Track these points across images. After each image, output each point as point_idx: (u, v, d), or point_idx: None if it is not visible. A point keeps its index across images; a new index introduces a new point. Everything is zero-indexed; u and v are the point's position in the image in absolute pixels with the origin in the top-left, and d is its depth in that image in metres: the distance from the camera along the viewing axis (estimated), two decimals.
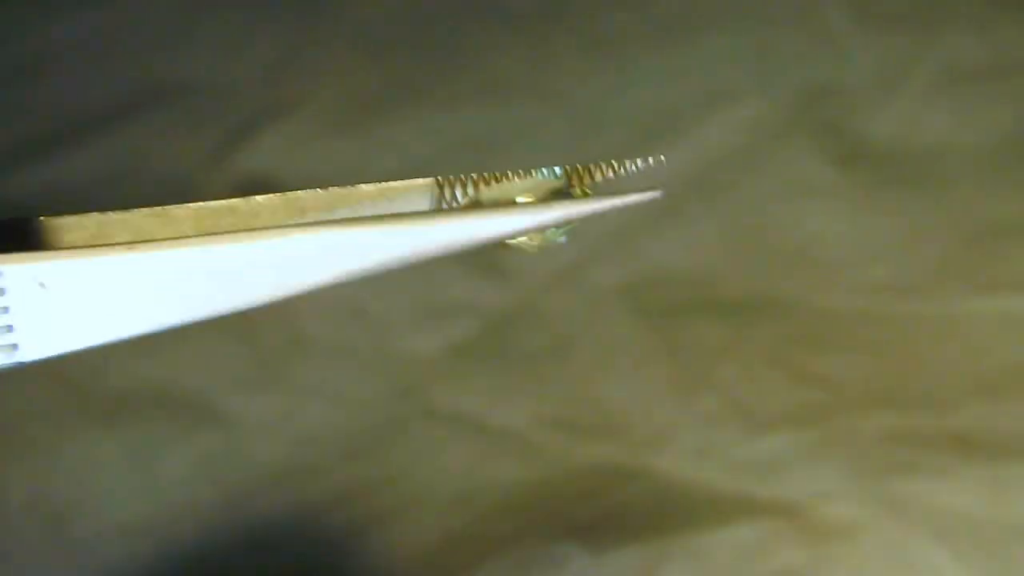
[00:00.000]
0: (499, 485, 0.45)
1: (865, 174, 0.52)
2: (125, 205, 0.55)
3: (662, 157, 0.21)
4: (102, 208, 0.56)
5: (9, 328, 0.19)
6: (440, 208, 0.20)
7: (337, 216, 0.21)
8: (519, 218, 0.20)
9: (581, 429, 0.46)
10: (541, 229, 0.21)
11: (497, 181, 0.21)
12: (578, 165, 0.22)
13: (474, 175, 0.21)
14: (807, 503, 0.42)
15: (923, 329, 0.47)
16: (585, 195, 0.21)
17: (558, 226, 0.21)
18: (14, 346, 0.19)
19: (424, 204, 0.21)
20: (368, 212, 0.21)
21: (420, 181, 0.21)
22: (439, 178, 0.21)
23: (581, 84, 0.58)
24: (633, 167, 0.22)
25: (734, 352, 0.47)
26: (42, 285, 0.19)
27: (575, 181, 0.21)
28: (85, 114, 0.58)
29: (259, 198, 0.20)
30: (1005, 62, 0.54)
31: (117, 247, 0.19)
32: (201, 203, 0.20)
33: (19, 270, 0.19)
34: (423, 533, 0.44)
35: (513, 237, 0.21)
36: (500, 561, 0.42)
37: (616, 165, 0.22)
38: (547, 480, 0.45)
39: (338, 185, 0.21)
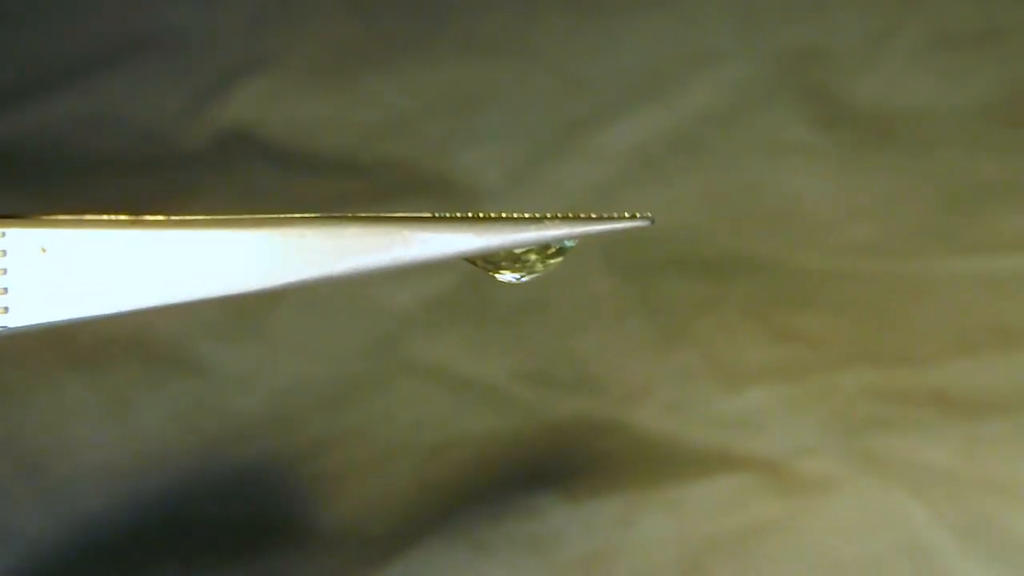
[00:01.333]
0: (475, 437, 0.44)
1: (848, 136, 0.52)
2: (101, 154, 0.55)
3: (649, 214, 0.22)
4: (82, 158, 0.55)
5: (5, 291, 0.19)
6: (438, 216, 0.21)
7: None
8: (516, 233, 0.21)
9: (558, 383, 0.46)
10: (542, 244, 0.21)
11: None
12: (570, 213, 0.23)
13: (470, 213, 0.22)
14: (784, 457, 0.42)
15: (902, 288, 0.47)
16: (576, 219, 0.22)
17: (545, 255, 0.22)
18: (6, 309, 0.19)
19: None
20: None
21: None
22: (435, 214, 0.22)
23: (565, 43, 0.58)
24: (622, 217, 0.23)
25: (713, 309, 0.47)
26: (44, 251, 0.19)
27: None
28: (63, 62, 0.57)
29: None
30: (990, 26, 0.54)
31: (123, 222, 0.19)
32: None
33: (22, 234, 0.19)
34: (398, 484, 0.44)
35: (510, 249, 0.21)
36: (476, 512, 0.42)
37: (607, 215, 0.23)
38: (524, 433, 0.44)
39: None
